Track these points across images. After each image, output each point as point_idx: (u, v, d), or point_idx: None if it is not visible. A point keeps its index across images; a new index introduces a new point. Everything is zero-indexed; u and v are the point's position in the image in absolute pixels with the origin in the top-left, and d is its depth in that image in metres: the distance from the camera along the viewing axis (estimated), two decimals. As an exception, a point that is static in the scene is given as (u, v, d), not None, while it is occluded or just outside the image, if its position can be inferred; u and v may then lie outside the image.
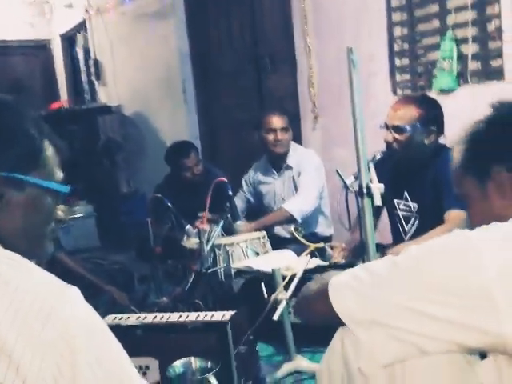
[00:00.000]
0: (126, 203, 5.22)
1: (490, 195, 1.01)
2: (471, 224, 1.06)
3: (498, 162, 0.99)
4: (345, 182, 1.85)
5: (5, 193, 0.89)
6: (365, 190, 1.70)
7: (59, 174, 0.98)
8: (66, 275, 2.89)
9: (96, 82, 6.21)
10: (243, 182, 3.44)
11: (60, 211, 1.02)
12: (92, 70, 6.15)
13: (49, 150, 0.96)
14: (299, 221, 3.04)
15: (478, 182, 1.03)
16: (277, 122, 3.12)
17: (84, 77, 6.65)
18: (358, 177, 1.77)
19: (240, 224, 2.75)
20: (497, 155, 1.00)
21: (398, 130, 2.26)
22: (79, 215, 4.79)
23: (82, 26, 6.46)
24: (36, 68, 7.26)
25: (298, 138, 3.76)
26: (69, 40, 7.09)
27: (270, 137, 3.12)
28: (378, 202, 1.68)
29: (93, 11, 5.99)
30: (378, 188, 1.70)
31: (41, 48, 7.27)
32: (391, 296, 0.90)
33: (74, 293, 0.85)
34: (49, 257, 1.05)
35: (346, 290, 0.95)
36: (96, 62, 6.10)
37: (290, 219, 3.04)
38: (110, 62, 5.93)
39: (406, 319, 0.88)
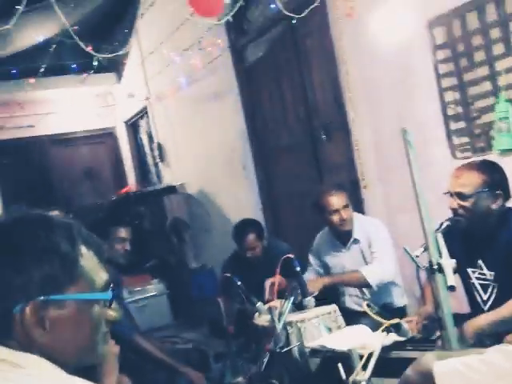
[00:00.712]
0: (195, 278, 5.34)
1: None
2: None
3: None
4: (415, 261, 1.84)
5: (47, 314, 0.88)
6: (435, 267, 1.69)
7: (101, 278, 0.95)
8: (143, 358, 2.98)
9: (160, 164, 6.53)
10: (310, 256, 3.40)
11: (111, 312, 0.99)
12: (156, 152, 6.48)
13: (86, 257, 0.93)
14: (374, 288, 2.98)
15: None
16: (338, 201, 3.08)
17: (149, 160, 7.01)
18: (427, 250, 1.77)
19: (309, 300, 2.75)
20: None
21: (462, 196, 2.24)
22: (152, 294, 4.93)
23: (144, 112, 6.89)
24: (104, 155, 7.73)
25: (359, 206, 3.79)
26: (133, 126, 7.55)
27: (335, 218, 3.08)
28: (451, 281, 1.67)
29: (153, 98, 6.39)
30: (449, 265, 1.69)
31: (107, 136, 7.77)
32: None
33: None
34: (104, 359, 1.06)
35: (456, 377, 0.91)
36: (159, 145, 6.44)
37: (364, 284, 3.00)
38: (172, 144, 6.25)
39: None
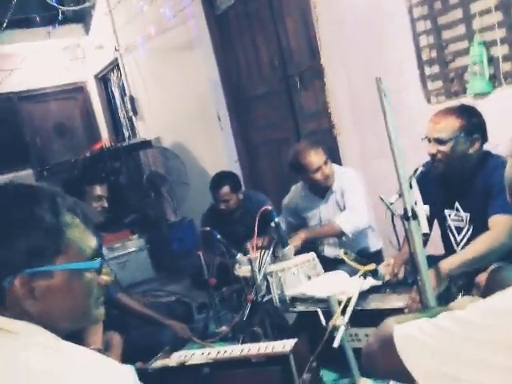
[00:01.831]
0: (175, 232, 5.37)
1: None
2: None
3: None
4: (390, 208, 1.87)
5: (36, 285, 0.89)
6: (410, 214, 1.72)
7: (89, 245, 0.95)
8: (128, 314, 3.00)
9: (134, 118, 6.42)
10: (283, 208, 3.43)
11: (104, 276, 0.99)
12: (128, 106, 6.35)
13: (72, 226, 0.93)
14: (349, 236, 3.05)
15: None
16: (317, 159, 3.06)
17: (122, 114, 6.88)
18: (402, 197, 1.80)
19: (289, 249, 2.79)
20: None
21: (440, 141, 2.25)
22: (133, 249, 4.94)
23: (114, 65, 6.70)
24: (75, 110, 7.55)
25: (334, 153, 3.80)
26: (103, 79, 7.35)
27: (318, 175, 3.07)
28: (425, 228, 1.70)
29: (122, 49, 6.20)
30: (423, 212, 1.71)
31: (78, 90, 7.57)
32: (462, 351, 0.89)
33: (125, 376, 0.85)
34: (99, 322, 1.08)
35: (414, 344, 0.95)
36: (131, 99, 6.30)
37: (340, 234, 3.06)
38: (145, 97, 6.12)
39: (479, 372, 0.88)
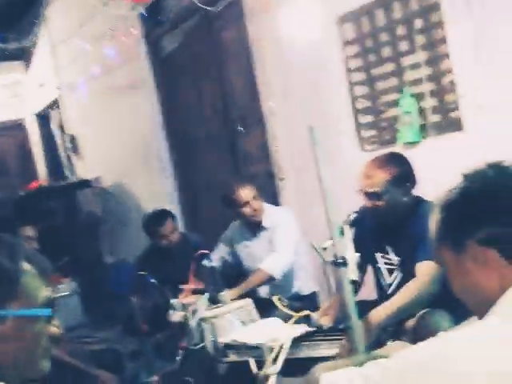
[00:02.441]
0: (111, 274, 5.19)
1: (467, 268, 1.00)
2: (454, 292, 1.06)
3: (472, 236, 0.99)
4: (321, 255, 1.87)
5: None
6: (340, 261, 1.73)
7: (43, 294, 0.98)
8: (53, 364, 2.84)
9: (73, 157, 6.28)
10: (219, 243, 3.45)
11: (53, 328, 1.01)
12: (68, 145, 6.22)
13: (27, 274, 0.95)
14: (278, 278, 3.05)
15: (455, 254, 1.02)
16: (247, 194, 3.16)
17: (61, 152, 6.72)
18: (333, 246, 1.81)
19: (224, 294, 2.74)
20: (468, 228, 1.00)
21: (374, 196, 2.29)
22: (64, 293, 4.72)
23: (55, 103, 6.59)
24: (12, 148, 7.33)
25: (274, 197, 3.83)
26: (43, 117, 7.20)
27: (247, 210, 3.16)
28: (354, 275, 1.71)
29: (64, 88, 6.12)
30: (353, 257, 1.73)
31: (15, 128, 7.37)
32: None
33: None
34: (44, 373, 1.04)
35: None
36: (72, 137, 6.19)
37: (270, 278, 3.06)
38: (86, 136, 6.02)
39: None
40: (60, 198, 5.30)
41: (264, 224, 3.23)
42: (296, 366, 2.01)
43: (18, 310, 0.93)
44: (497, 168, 1.02)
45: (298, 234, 3.19)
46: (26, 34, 5.18)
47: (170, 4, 4.66)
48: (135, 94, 5.06)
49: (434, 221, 1.07)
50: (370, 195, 2.30)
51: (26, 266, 0.96)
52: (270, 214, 3.23)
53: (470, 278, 1.00)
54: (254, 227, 3.27)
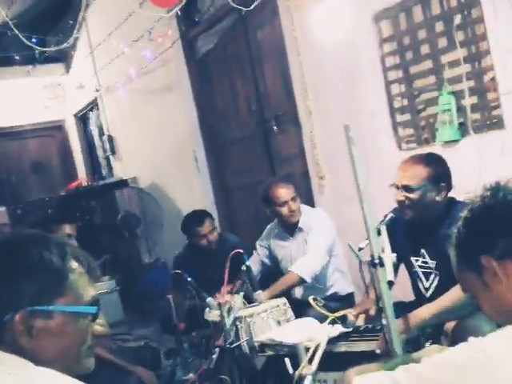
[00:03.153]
0: (148, 273, 5.27)
1: (490, 285, 1.03)
2: (485, 314, 1.07)
3: (486, 252, 1.01)
4: (357, 255, 1.86)
5: (34, 324, 0.94)
6: (377, 261, 1.70)
7: (89, 293, 1.02)
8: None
9: (111, 157, 6.40)
10: (257, 246, 3.44)
11: (98, 326, 1.05)
12: (107, 145, 6.34)
13: (76, 272, 1.00)
14: (309, 281, 3.02)
15: (475, 274, 1.05)
16: (286, 193, 3.12)
17: (100, 153, 6.86)
18: (369, 246, 1.79)
19: (259, 293, 2.75)
20: (483, 245, 1.03)
21: (408, 189, 2.27)
22: (103, 291, 4.82)
23: (94, 104, 6.72)
24: (53, 149, 7.52)
25: (309, 197, 3.81)
26: (82, 118, 7.36)
27: (284, 210, 3.12)
28: (391, 276, 1.68)
29: (103, 90, 6.24)
30: (389, 258, 1.70)
31: (56, 129, 7.55)
32: None
33: None
34: (90, 371, 1.07)
35: None
36: (110, 138, 6.30)
37: (300, 281, 3.03)
38: (123, 137, 6.13)
39: None
40: (99, 197, 5.41)
41: (300, 225, 3.20)
42: (333, 360, 2.01)
43: (65, 306, 0.97)
44: (500, 188, 1.05)
45: (334, 235, 3.16)
46: (66, 36, 5.30)
47: (205, 5, 4.70)
48: (171, 95, 5.12)
49: (450, 252, 1.11)
50: (404, 188, 2.28)
51: (74, 264, 1.00)
52: (306, 215, 3.20)
53: (495, 294, 1.02)
54: (290, 228, 3.25)
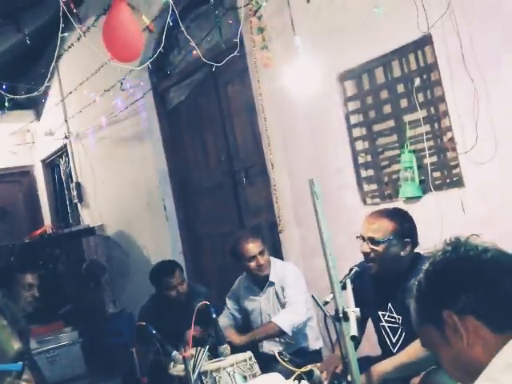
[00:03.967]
0: (112, 324, 5.15)
1: (450, 341, 1.02)
2: (445, 370, 1.07)
3: (448, 307, 1.01)
4: (322, 308, 1.88)
5: None
6: (341, 315, 1.73)
7: (13, 348, 0.96)
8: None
9: (79, 205, 6.34)
10: (227, 300, 3.43)
11: (23, 382, 0.99)
12: (74, 192, 6.29)
13: None
14: (289, 334, 3.02)
15: (435, 328, 1.04)
16: (253, 248, 3.15)
17: (67, 200, 6.78)
18: (334, 300, 1.81)
19: (226, 347, 2.72)
20: (444, 300, 1.02)
21: (374, 241, 2.31)
22: (65, 342, 4.68)
23: (63, 151, 6.70)
24: (19, 195, 7.41)
25: (277, 248, 3.84)
26: (51, 165, 7.31)
27: (252, 264, 3.15)
28: (354, 331, 1.71)
29: (72, 137, 6.24)
30: (354, 313, 1.73)
31: (23, 174, 7.47)
32: None
33: None
34: None
35: None
36: (78, 185, 6.26)
37: (280, 333, 3.03)
38: (92, 184, 6.10)
39: None
40: (65, 244, 5.32)
41: (271, 279, 3.21)
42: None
43: None
44: (461, 243, 1.07)
45: (306, 289, 3.17)
46: (37, 84, 5.32)
47: (176, 58, 4.81)
48: (142, 144, 5.16)
49: (410, 305, 1.10)
50: (369, 240, 2.31)
51: None
52: (277, 269, 3.21)
53: (455, 350, 1.01)
54: (260, 282, 3.25)
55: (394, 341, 2.42)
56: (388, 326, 2.43)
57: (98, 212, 6.02)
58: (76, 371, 4.47)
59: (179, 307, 3.57)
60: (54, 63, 4.96)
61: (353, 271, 2.32)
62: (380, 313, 2.44)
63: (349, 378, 1.85)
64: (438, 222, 2.69)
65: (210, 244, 4.83)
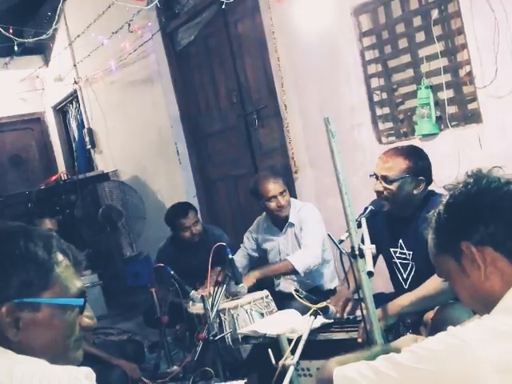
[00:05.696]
0: (130, 267, 5.27)
1: (467, 271, 1.03)
2: (460, 300, 1.08)
3: (466, 238, 1.01)
4: (338, 246, 1.89)
5: (21, 316, 0.95)
6: (357, 252, 1.75)
7: (75, 285, 1.01)
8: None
9: (92, 151, 6.35)
10: (245, 239, 3.45)
11: (86, 318, 1.05)
12: (86, 138, 6.29)
13: (62, 265, 1.00)
14: (301, 275, 3.06)
15: (453, 259, 1.05)
16: (275, 188, 3.12)
17: (79, 146, 6.79)
18: (350, 238, 1.82)
19: (243, 286, 2.77)
20: (463, 231, 1.03)
21: (387, 180, 2.30)
22: (86, 285, 4.80)
23: (73, 97, 6.65)
24: (32, 142, 7.42)
25: (291, 190, 3.84)
26: (62, 111, 7.27)
27: (273, 204, 3.13)
28: (370, 267, 1.72)
29: (82, 82, 6.18)
30: (369, 249, 1.74)
31: (35, 121, 7.45)
32: None
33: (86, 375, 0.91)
34: (78, 363, 1.07)
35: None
36: (90, 131, 6.25)
37: (292, 272, 3.07)
38: (104, 130, 6.08)
39: None
40: (79, 191, 5.37)
41: (291, 220, 3.21)
42: (315, 348, 2.05)
43: (51, 298, 0.97)
44: (482, 175, 1.05)
45: (324, 230, 3.16)
46: (44, 27, 5.22)
47: (185, -3, 4.67)
48: (152, 88, 5.09)
49: (429, 229, 1.10)
50: (383, 178, 2.30)
51: (60, 257, 1.00)
52: (297, 210, 3.20)
53: (472, 280, 1.02)
54: (280, 222, 3.25)
55: (405, 276, 2.45)
56: (399, 263, 2.46)
57: (112, 158, 6.04)
58: (97, 312, 4.59)
59: (195, 248, 3.63)
60: (60, 5, 4.86)
61: (368, 210, 2.32)
62: (392, 249, 2.47)
63: (364, 311, 1.88)
64: (454, 160, 2.65)
65: (224, 187, 4.84)
